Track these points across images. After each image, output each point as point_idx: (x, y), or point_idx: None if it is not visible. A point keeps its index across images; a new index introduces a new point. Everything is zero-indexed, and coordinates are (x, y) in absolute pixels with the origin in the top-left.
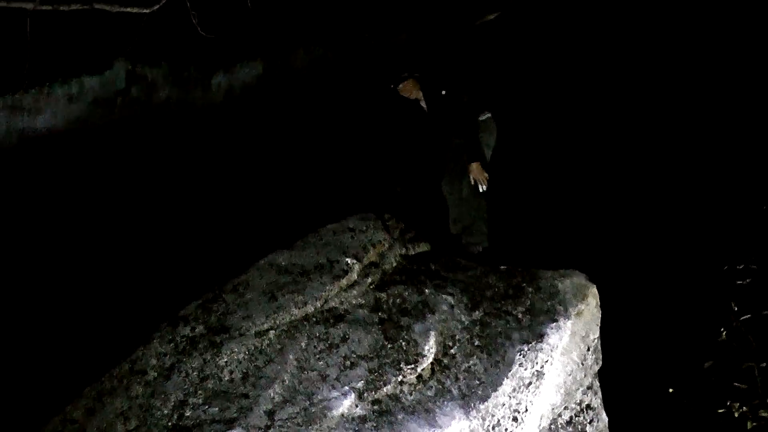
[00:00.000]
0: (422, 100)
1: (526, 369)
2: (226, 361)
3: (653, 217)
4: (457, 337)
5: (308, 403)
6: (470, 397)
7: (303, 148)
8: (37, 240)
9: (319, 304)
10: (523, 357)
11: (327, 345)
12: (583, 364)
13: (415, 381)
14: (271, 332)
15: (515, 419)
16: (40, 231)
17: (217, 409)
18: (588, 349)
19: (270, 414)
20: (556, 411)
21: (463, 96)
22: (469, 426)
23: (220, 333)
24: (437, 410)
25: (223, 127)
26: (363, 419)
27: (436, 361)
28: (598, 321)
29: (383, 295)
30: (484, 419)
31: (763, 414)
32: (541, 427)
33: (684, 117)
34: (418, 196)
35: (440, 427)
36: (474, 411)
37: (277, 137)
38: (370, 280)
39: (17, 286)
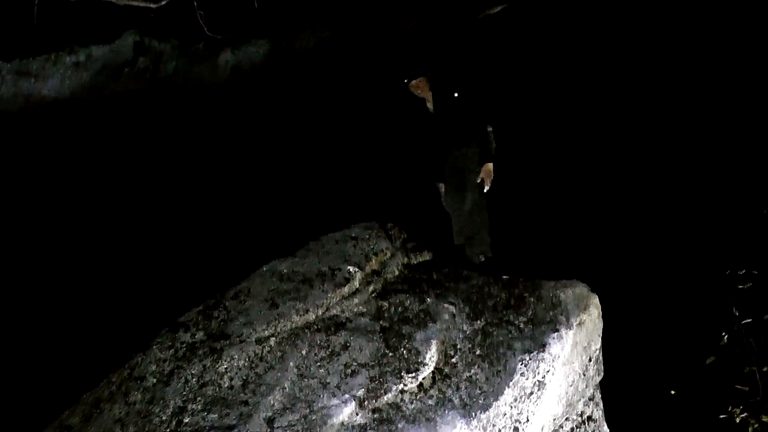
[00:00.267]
0: (429, 102)
1: (527, 378)
2: (226, 368)
3: (654, 223)
4: (458, 346)
5: (308, 410)
6: (471, 407)
7: (305, 140)
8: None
9: (320, 312)
10: (525, 366)
11: (328, 352)
12: (584, 375)
13: (416, 390)
14: (272, 339)
15: (516, 429)
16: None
17: (216, 415)
18: (590, 360)
19: (270, 421)
20: (557, 422)
21: (474, 99)
22: None
23: (221, 339)
24: (438, 419)
25: (228, 105)
26: (363, 428)
27: (438, 369)
28: (600, 331)
29: (385, 303)
30: (485, 429)
31: (765, 419)
32: None
33: (684, 126)
34: (415, 198)
35: None
36: (475, 420)
37: (280, 127)
38: (371, 288)
39: (16, 289)
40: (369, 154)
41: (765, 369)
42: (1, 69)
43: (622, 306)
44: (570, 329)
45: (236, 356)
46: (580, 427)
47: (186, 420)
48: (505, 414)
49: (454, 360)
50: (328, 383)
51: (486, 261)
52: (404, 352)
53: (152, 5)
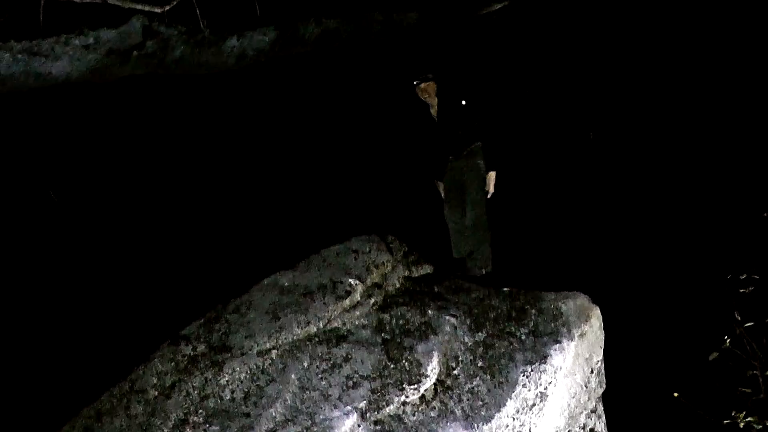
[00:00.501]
0: (434, 108)
1: (529, 390)
2: (227, 380)
3: (655, 230)
4: (460, 358)
5: (310, 422)
6: (473, 418)
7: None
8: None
9: (321, 324)
10: (527, 378)
11: (329, 365)
12: (586, 387)
13: (417, 401)
14: (273, 352)
15: None
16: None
17: (218, 428)
18: (592, 372)
19: None
20: None
21: (480, 108)
22: None
23: (222, 352)
24: (440, 431)
25: (233, 91)
26: None
27: (439, 381)
28: (602, 343)
29: (386, 315)
30: None
31: None
32: None
33: (685, 132)
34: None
35: None
36: None
37: (281, 137)
38: (373, 300)
39: (17, 299)
40: (370, 164)
41: (767, 372)
42: (13, 48)
43: (623, 314)
44: (572, 340)
45: (238, 369)
46: None
47: None
48: (507, 426)
49: (455, 372)
50: (330, 395)
51: (487, 274)
52: (406, 363)
53: (157, 9)
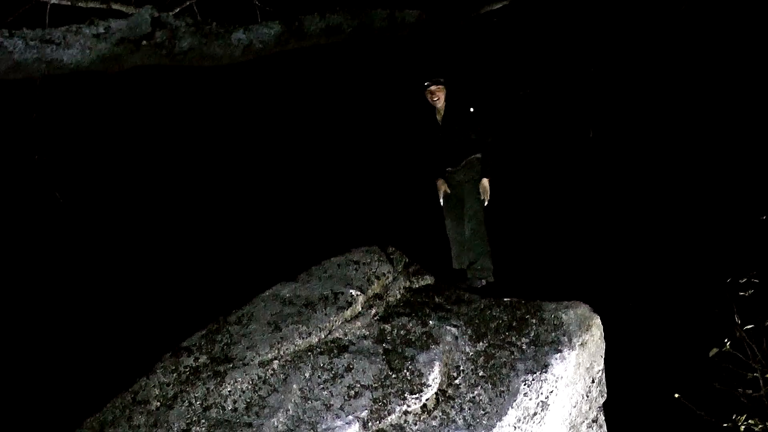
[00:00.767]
0: (439, 113)
1: (530, 399)
2: (229, 391)
3: (656, 236)
4: (461, 367)
5: None
6: (475, 427)
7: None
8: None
9: (323, 335)
10: (528, 387)
11: (331, 375)
12: (588, 396)
13: (419, 411)
14: (275, 362)
15: None
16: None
17: None
18: (593, 381)
19: None
20: None
21: (486, 113)
22: None
23: (224, 363)
24: None
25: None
26: None
27: (441, 391)
28: (603, 352)
29: (387, 326)
30: None
31: None
32: None
33: (684, 137)
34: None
35: None
36: None
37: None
38: (374, 311)
39: (19, 310)
40: (372, 174)
41: (767, 375)
42: (26, 35)
43: (624, 320)
44: (572, 350)
45: (240, 379)
46: None
47: None
48: None
49: (457, 381)
50: (332, 405)
51: (487, 285)
52: (407, 373)
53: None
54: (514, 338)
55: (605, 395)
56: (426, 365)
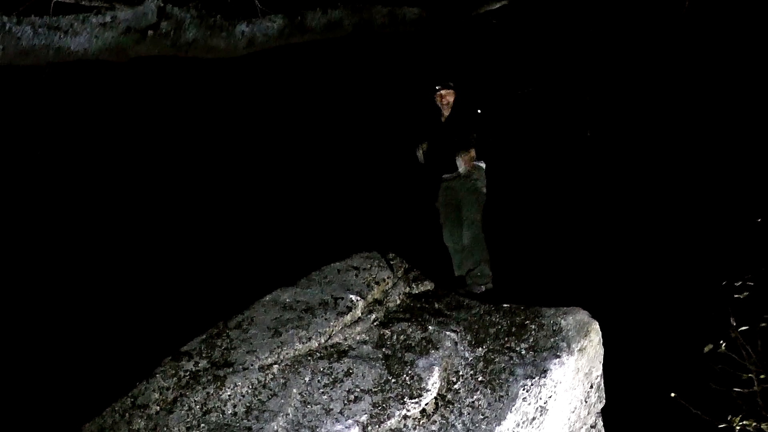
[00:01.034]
0: (444, 117)
1: (529, 404)
2: (229, 395)
3: (651, 239)
4: (460, 372)
5: None
6: None
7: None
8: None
9: (323, 340)
10: (527, 392)
11: (331, 379)
12: (586, 402)
13: (419, 415)
14: (275, 367)
15: None
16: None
17: None
18: (591, 387)
19: None
20: None
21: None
22: None
23: (224, 367)
24: None
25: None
26: None
27: (440, 396)
28: (601, 358)
29: (387, 331)
30: None
31: (764, 427)
32: None
33: (680, 141)
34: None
35: None
36: None
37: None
38: (374, 316)
39: (18, 312)
40: (372, 179)
41: (762, 376)
42: (35, 23)
43: (622, 323)
44: (571, 355)
45: (239, 383)
46: None
47: None
48: None
49: (456, 386)
50: (332, 409)
51: (487, 291)
52: (407, 378)
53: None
54: (513, 344)
55: (604, 401)
56: (425, 370)
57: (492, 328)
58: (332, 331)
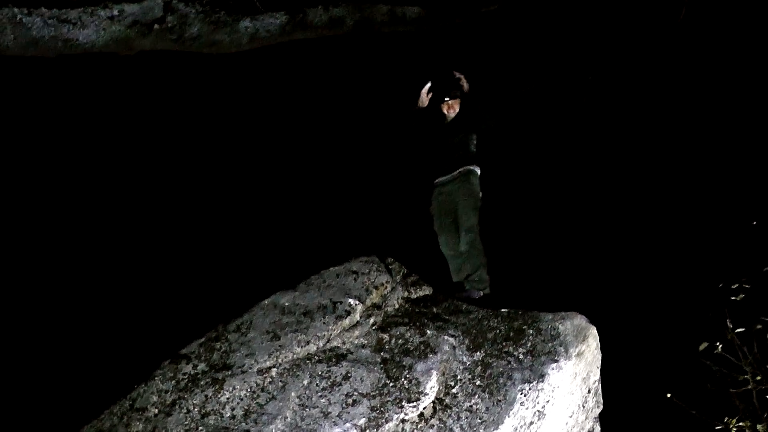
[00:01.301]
0: (447, 119)
1: (527, 408)
2: (227, 398)
3: (648, 243)
4: (458, 376)
5: None
6: None
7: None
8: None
9: (321, 344)
10: (525, 396)
11: (329, 383)
12: (584, 407)
13: (416, 419)
14: (274, 370)
15: None
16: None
17: None
18: (589, 392)
19: None
20: None
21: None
22: None
23: (222, 370)
24: None
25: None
26: None
27: (438, 399)
28: (599, 363)
29: (385, 335)
30: None
31: (760, 428)
32: None
33: (675, 144)
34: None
35: None
36: None
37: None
38: (372, 321)
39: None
40: (372, 184)
41: (759, 377)
42: (44, 14)
43: (620, 325)
44: (569, 360)
45: (238, 386)
46: None
47: None
48: None
49: (454, 390)
50: (330, 413)
51: (485, 296)
52: (405, 382)
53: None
54: (511, 348)
55: (601, 405)
56: (423, 374)
57: (490, 333)
58: (331, 334)
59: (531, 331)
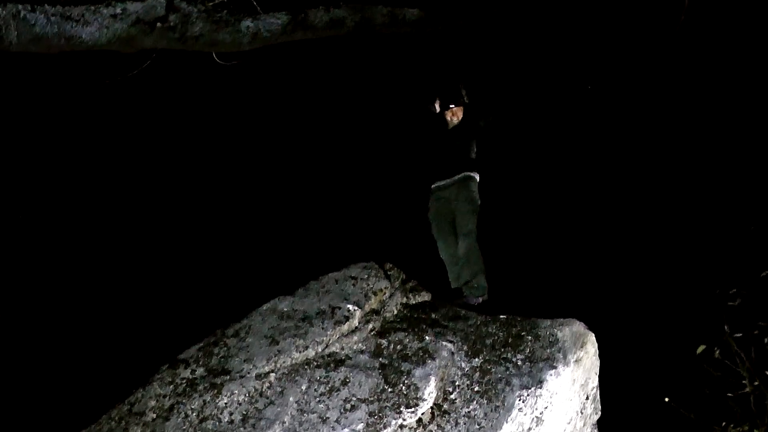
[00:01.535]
0: (450, 125)
1: (525, 414)
2: (226, 403)
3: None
4: (457, 382)
5: None
6: None
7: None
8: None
9: (320, 349)
10: (523, 402)
11: (327, 388)
12: (582, 413)
13: (415, 425)
14: (272, 375)
15: None
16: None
17: None
18: (587, 398)
19: None
20: None
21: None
22: None
23: (221, 375)
24: None
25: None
26: None
27: (436, 405)
28: (597, 369)
29: (384, 341)
30: None
31: None
32: None
33: (673, 149)
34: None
35: None
36: None
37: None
38: (371, 326)
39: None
40: (370, 189)
41: (756, 382)
42: (47, 11)
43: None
44: (567, 366)
45: (236, 391)
46: None
47: None
48: None
49: (452, 396)
50: (328, 418)
51: (483, 303)
52: (403, 388)
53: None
54: (509, 354)
55: (599, 412)
56: (422, 380)
57: (488, 339)
58: (329, 340)
59: (529, 338)
